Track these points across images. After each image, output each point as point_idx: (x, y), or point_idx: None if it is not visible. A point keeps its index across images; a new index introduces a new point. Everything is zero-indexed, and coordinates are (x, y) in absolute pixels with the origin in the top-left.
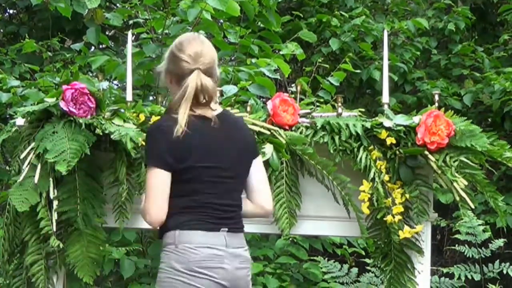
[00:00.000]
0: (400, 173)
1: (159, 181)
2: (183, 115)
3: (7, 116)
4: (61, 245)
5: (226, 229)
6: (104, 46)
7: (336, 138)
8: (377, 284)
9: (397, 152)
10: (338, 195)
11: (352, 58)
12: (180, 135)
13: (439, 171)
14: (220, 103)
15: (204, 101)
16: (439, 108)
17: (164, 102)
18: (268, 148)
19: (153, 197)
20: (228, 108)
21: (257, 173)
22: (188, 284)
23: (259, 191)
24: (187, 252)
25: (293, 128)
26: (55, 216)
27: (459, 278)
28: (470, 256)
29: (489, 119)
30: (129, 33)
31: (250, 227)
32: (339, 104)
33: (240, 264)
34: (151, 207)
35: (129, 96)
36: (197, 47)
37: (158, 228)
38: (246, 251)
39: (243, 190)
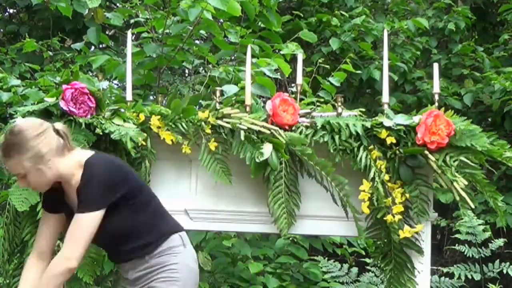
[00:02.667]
0: (400, 173)
1: (95, 225)
2: None
3: (7, 115)
4: (61, 245)
5: None
6: (104, 45)
7: (336, 137)
8: (377, 283)
9: (397, 151)
10: (336, 196)
11: (352, 58)
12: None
13: (439, 171)
14: (221, 103)
15: None
16: (439, 107)
17: (164, 102)
18: (267, 148)
19: (86, 243)
20: (228, 108)
21: None
22: (195, 282)
23: None
24: (192, 252)
25: (293, 128)
26: None
27: (459, 277)
28: (470, 255)
29: (489, 119)
30: (129, 32)
31: (250, 227)
32: (339, 103)
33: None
34: (77, 254)
35: (129, 96)
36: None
37: (145, 241)
38: None
39: None
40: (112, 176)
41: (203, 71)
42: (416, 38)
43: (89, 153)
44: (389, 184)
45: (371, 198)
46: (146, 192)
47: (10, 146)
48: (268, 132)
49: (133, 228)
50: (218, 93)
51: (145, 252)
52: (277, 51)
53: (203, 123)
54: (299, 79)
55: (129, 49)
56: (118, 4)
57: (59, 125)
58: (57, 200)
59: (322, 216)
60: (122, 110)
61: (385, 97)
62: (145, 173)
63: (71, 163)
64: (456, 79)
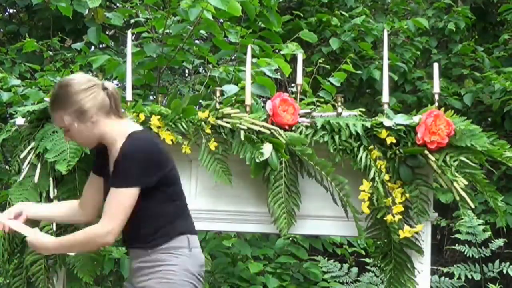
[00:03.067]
0: (400, 173)
1: (132, 202)
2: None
3: (7, 115)
4: None
5: None
6: (104, 45)
7: (336, 137)
8: (377, 283)
9: (397, 151)
10: (336, 196)
11: (352, 57)
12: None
13: (439, 171)
14: (221, 103)
15: None
16: (439, 107)
17: (164, 102)
18: (267, 148)
19: (124, 218)
20: (228, 108)
21: None
22: None
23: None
24: (198, 257)
25: (293, 128)
26: None
27: (459, 277)
28: (470, 255)
29: (489, 119)
30: (129, 32)
31: (250, 227)
32: (339, 103)
33: None
34: (117, 228)
35: (128, 96)
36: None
37: (155, 233)
38: None
39: None
40: (153, 157)
41: (203, 71)
42: (416, 38)
43: (137, 127)
44: (389, 184)
45: (371, 198)
46: (179, 186)
47: (55, 99)
48: (268, 132)
49: (152, 215)
50: (218, 93)
51: (150, 244)
52: (277, 51)
53: (203, 123)
54: (299, 79)
55: (129, 49)
56: (118, 4)
57: (110, 85)
58: (104, 163)
59: (322, 216)
60: (122, 110)
61: (385, 97)
62: None
63: (115, 128)
64: (456, 79)
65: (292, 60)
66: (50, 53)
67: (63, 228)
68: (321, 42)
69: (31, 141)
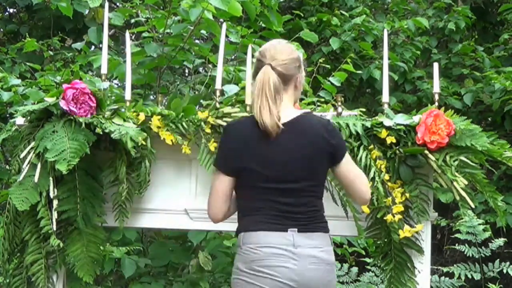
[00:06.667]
0: (400, 173)
1: (217, 183)
2: (257, 109)
3: (8, 115)
4: (61, 244)
5: (295, 229)
6: None
7: None
8: (377, 283)
9: (397, 151)
10: (336, 195)
11: (352, 57)
12: (241, 139)
13: (439, 171)
14: (221, 103)
15: (272, 98)
16: (439, 107)
17: (164, 102)
18: None
19: (212, 197)
20: (228, 108)
21: (346, 174)
22: (251, 284)
23: (348, 187)
24: (249, 252)
25: None
26: (55, 215)
27: (459, 277)
28: (470, 255)
29: (489, 119)
30: (127, 32)
31: None
32: (339, 103)
33: (310, 265)
34: (210, 206)
35: (128, 95)
36: (271, 47)
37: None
38: (324, 252)
39: (318, 192)
40: (233, 146)
41: (204, 71)
42: (416, 38)
43: None
44: (389, 183)
45: (371, 197)
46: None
47: None
48: None
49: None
50: (218, 93)
51: None
52: None
53: (202, 123)
54: None
55: (128, 48)
56: (118, 4)
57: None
58: None
59: None
60: (123, 109)
61: (385, 96)
62: (145, 173)
63: None
64: (456, 79)
65: None
66: (51, 52)
67: (63, 228)
68: (321, 42)
69: (31, 140)
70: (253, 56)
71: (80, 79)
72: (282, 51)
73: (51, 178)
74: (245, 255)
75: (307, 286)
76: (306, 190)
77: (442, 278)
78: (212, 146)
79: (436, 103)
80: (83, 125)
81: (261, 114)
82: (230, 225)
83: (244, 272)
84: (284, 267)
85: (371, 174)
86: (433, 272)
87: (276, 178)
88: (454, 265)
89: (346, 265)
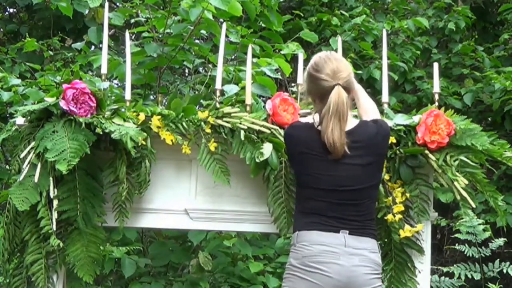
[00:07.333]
0: (400, 172)
1: None
2: (327, 129)
3: (8, 115)
4: (61, 244)
5: (347, 231)
6: None
7: None
8: None
9: (398, 151)
10: None
11: (352, 57)
12: (303, 142)
13: (440, 170)
14: (221, 103)
15: (345, 118)
16: (439, 107)
17: (164, 101)
18: (267, 148)
19: None
20: (228, 108)
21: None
22: (302, 279)
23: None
24: (302, 249)
25: None
26: (55, 215)
27: (459, 277)
28: (470, 255)
29: (489, 118)
30: (127, 32)
31: (250, 227)
32: None
33: (360, 262)
34: None
35: (128, 95)
36: (332, 65)
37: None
38: (372, 253)
39: (373, 199)
40: (292, 145)
41: (204, 70)
42: (416, 38)
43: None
44: (389, 183)
45: None
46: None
47: None
48: (268, 131)
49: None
50: (218, 93)
51: None
52: (277, 50)
53: (202, 123)
54: (300, 79)
55: (128, 48)
56: (118, 4)
57: None
58: None
59: None
60: (123, 109)
61: (385, 96)
62: (145, 173)
63: None
64: (456, 79)
65: (293, 59)
66: (51, 52)
67: (63, 228)
68: (321, 42)
69: (31, 140)
70: (254, 56)
71: (80, 79)
72: (341, 67)
73: (51, 178)
74: (298, 251)
75: (353, 281)
76: (363, 193)
77: (442, 278)
78: (212, 146)
79: (436, 103)
80: (83, 125)
81: (332, 135)
82: (230, 225)
83: (296, 267)
84: (335, 264)
85: None
86: (433, 272)
87: (336, 182)
88: (454, 265)
89: None
